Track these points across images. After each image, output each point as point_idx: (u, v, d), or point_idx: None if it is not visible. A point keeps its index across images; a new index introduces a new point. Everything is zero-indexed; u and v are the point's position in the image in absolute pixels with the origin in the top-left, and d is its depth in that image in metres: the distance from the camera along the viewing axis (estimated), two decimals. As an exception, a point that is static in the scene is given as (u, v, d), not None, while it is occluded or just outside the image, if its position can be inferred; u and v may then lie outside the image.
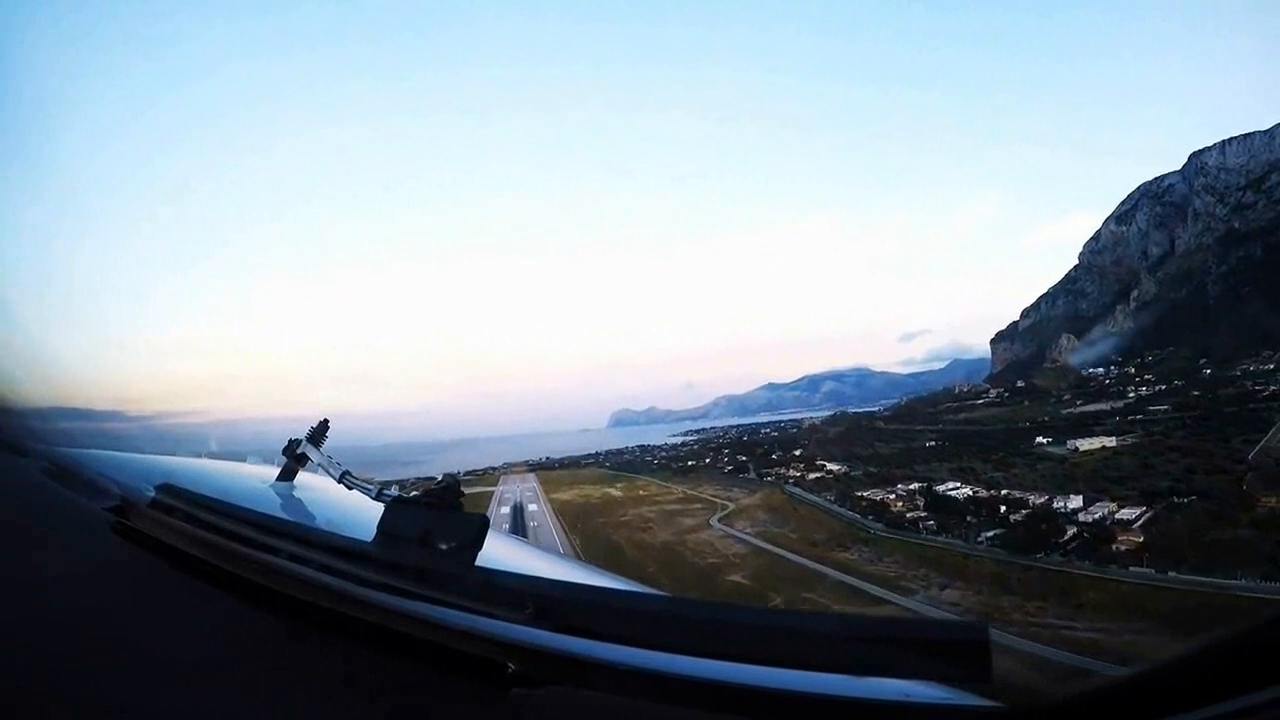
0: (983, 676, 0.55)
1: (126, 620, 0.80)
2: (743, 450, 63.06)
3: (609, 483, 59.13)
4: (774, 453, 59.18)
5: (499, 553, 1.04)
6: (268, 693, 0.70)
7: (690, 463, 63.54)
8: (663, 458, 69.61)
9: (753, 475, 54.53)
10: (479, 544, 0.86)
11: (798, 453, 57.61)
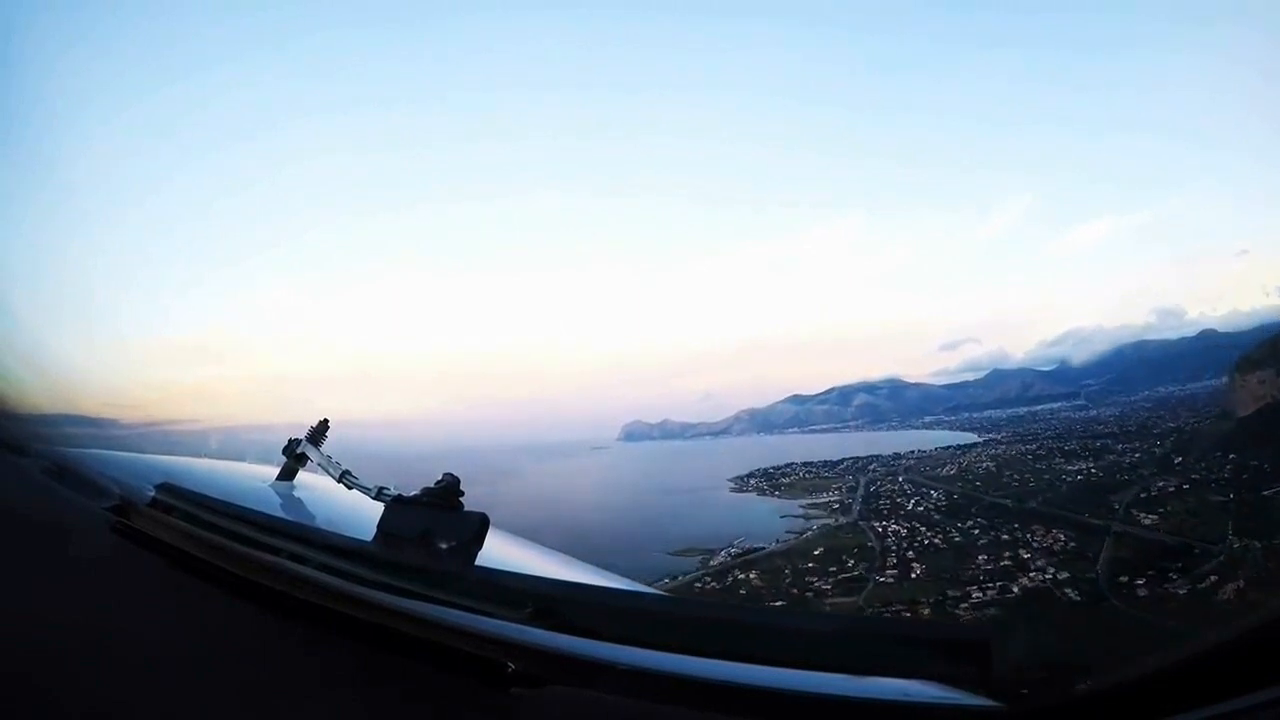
0: (983, 677, 0.56)
1: (126, 620, 0.82)
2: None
3: None
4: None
5: (499, 552, 1.05)
6: (268, 693, 0.72)
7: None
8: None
9: None
10: (479, 543, 0.87)
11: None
